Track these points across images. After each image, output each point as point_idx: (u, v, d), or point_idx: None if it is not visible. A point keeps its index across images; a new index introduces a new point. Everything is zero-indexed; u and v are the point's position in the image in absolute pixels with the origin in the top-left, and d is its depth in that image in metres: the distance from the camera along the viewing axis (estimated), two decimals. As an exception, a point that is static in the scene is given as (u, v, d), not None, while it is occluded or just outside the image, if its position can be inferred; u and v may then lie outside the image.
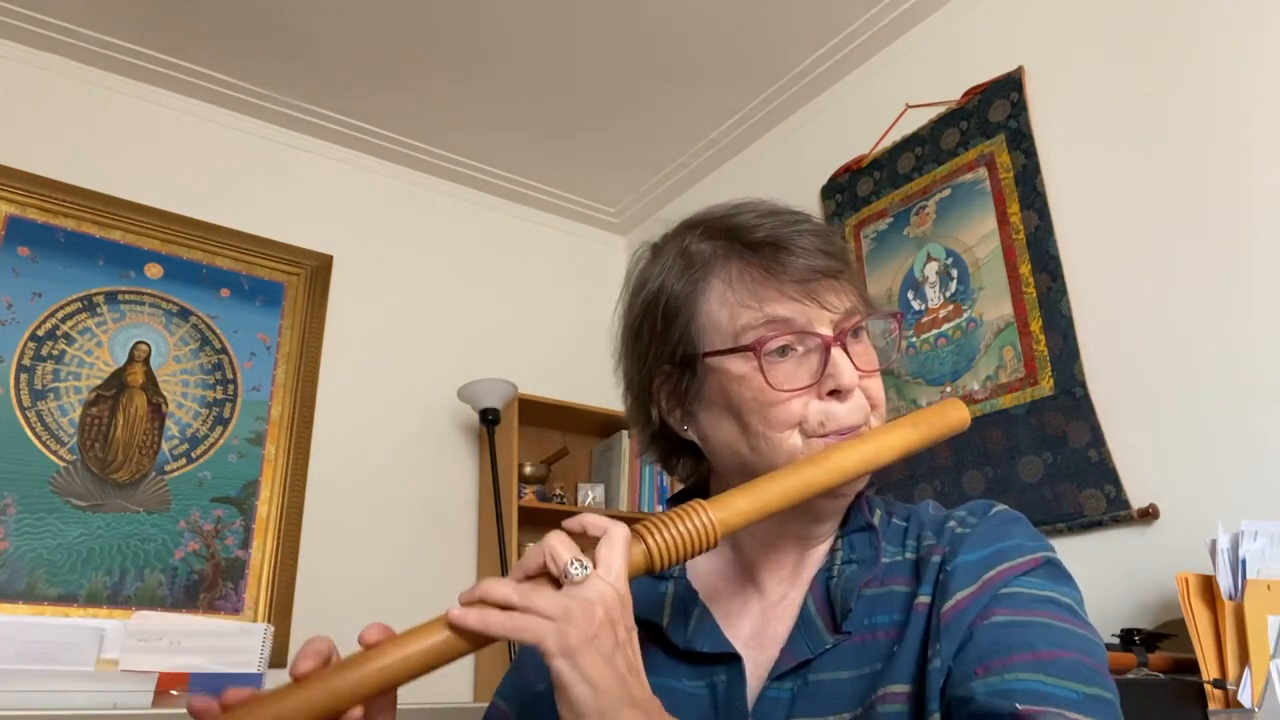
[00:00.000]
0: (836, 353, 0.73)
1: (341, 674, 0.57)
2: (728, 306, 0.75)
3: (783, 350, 0.73)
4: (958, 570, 0.69)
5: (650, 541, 0.63)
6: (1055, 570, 0.70)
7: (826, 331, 0.73)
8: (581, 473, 3.17)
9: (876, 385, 0.77)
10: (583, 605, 0.57)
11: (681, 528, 0.64)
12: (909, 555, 0.74)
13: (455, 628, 0.58)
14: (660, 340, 0.78)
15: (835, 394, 0.73)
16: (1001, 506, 0.76)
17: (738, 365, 0.74)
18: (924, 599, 0.69)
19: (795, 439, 0.73)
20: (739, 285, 0.75)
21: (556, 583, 0.60)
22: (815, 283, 0.74)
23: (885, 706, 0.66)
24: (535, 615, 0.57)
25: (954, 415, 0.78)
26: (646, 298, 0.80)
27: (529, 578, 0.61)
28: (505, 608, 0.58)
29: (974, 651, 0.64)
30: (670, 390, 0.79)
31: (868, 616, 0.71)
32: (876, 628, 0.70)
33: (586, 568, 0.59)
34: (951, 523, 0.75)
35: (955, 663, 0.64)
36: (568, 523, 0.64)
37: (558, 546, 0.60)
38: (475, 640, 0.59)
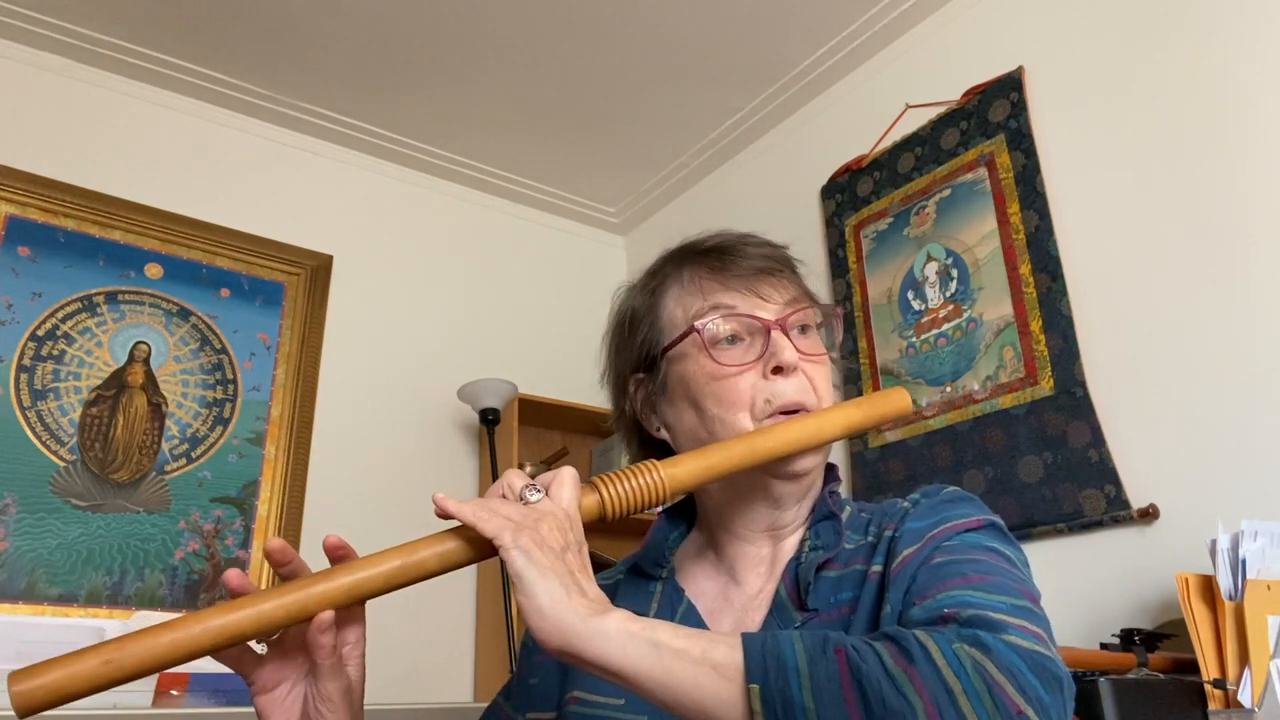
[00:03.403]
0: (777, 334, 0.80)
1: (315, 582, 0.63)
2: (681, 303, 0.85)
3: (731, 339, 0.81)
4: (904, 535, 0.74)
5: (604, 491, 0.70)
6: (998, 531, 0.75)
7: (768, 317, 0.81)
8: (581, 473, 3.17)
9: (822, 375, 0.83)
10: (535, 515, 0.64)
11: (634, 481, 0.70)
12: (870, 539, 0.80)
13: (439, 508, 0.65)
14: (628, 348, 0.88)
15: (779, 372, 0.80)
16: (954, 487, 0.81)
17: (689, 349, 0.82)
18: (876, 568, 0.75)
19: (746, 420, 0.80)
20: (690, 285, 0.85)
21: None
22: (755, 278, 0.83)
23: None
24: (498, 514, 0.64)
25: (896, 400, 0.84)
26: (618, 320, 0.91)
27: None
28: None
29: (915, 590, 0.69)
30: (644, 396, 0.87)
31: (833, 595, 0.76)
32: (841, 604, 0.75)
33: (540, 491, 0.67)
34: (905, 504, 0.81)
35: (903, 605, 0.69)
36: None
37: (513, 478, 0.69)
38: (444, 557, 0.65)
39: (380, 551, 0.64)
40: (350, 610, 0.68)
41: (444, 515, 0.65)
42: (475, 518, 0.63)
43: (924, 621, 0.63)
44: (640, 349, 0.86)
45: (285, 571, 0.67)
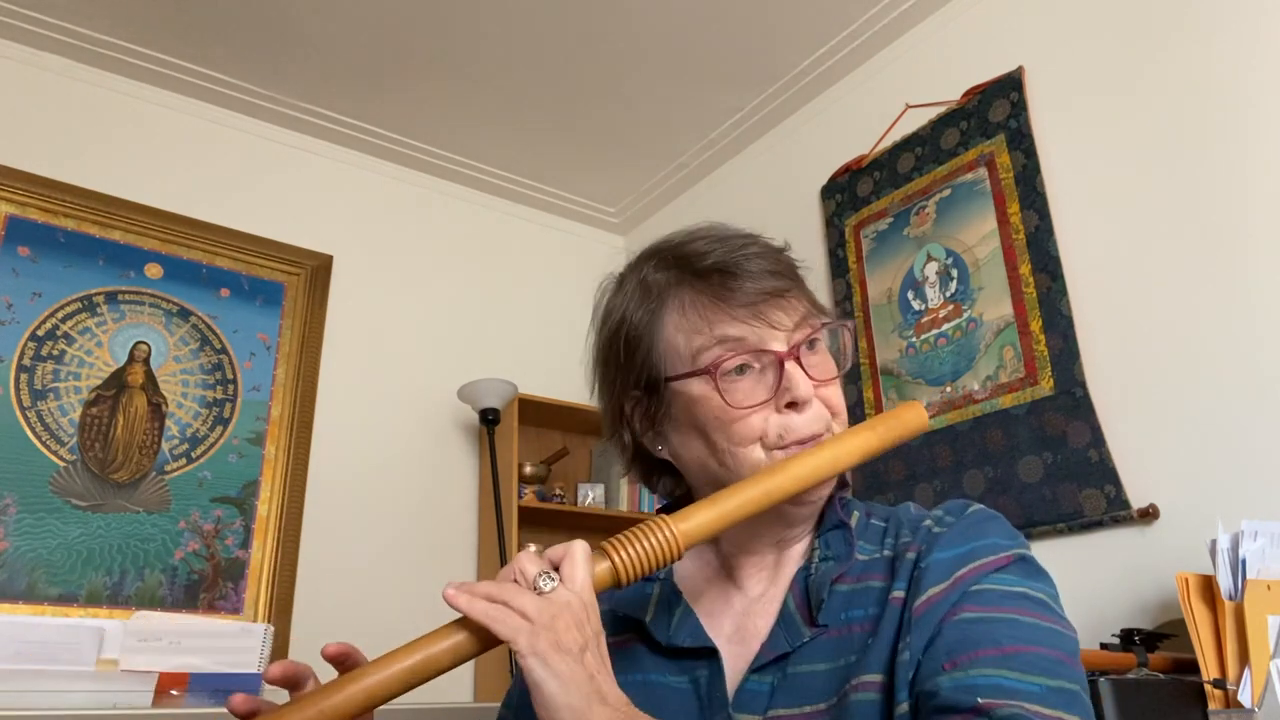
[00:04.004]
0: (790, 366, 0.76)
1: (328, 695, 0.60)
2: (683, 332, 0.79)
3: (741, 369, 0.76)
4: (931, 567, 0.71)
5: (615, 558, 0.67)
6: (1028, 566, 0.72)
7: (779, 347, 0.77)
8: (581, 473, 3.17)
9: (835, 393, 0.79)
10: (551, 610, 0.61)
11: (646, 543, 0.67)
12: (886, 553, 0.77)
13: (449, 603, 0.62)
14: (626, 368, 0.82)
15: (793, 406, 0.76)
16: (978, 505, 0.78)
17: (697, 387, 0.77)
18: (898, 593, 0.71)
19: (758, 453, 0.76)
20: (691, 312, 0.78)
21: None
22: (763, 304, 0.77)
23: (859, 695, 0.68)
24: (513, 612, 0.61)
25: (912, 418, 0.79)
26: (610, 329, 0.84)
27: None
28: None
29: (942, 647, 0.66)
30: (641, 414, 0.83)
31: (844, 611, 0.74)
32: (853, 622, 0.73)
33: (554, 579, 0.63)
34: (928, 521, 0.77)
35: (924, 657, 0.66)
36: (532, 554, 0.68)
37: (526, 563, 0.65)
38: (451, 657, 0.62)
39: (388, 654, 0.63)
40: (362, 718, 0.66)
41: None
42: (488, 618, 0.61)
43: (954, 706, 0.62)
44: (639, 372, 0.81)
45: (293, 686, 0.66)
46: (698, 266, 0.79)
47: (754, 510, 0.71)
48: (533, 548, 2.84)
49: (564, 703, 0.58)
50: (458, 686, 2.67)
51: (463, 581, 0.64)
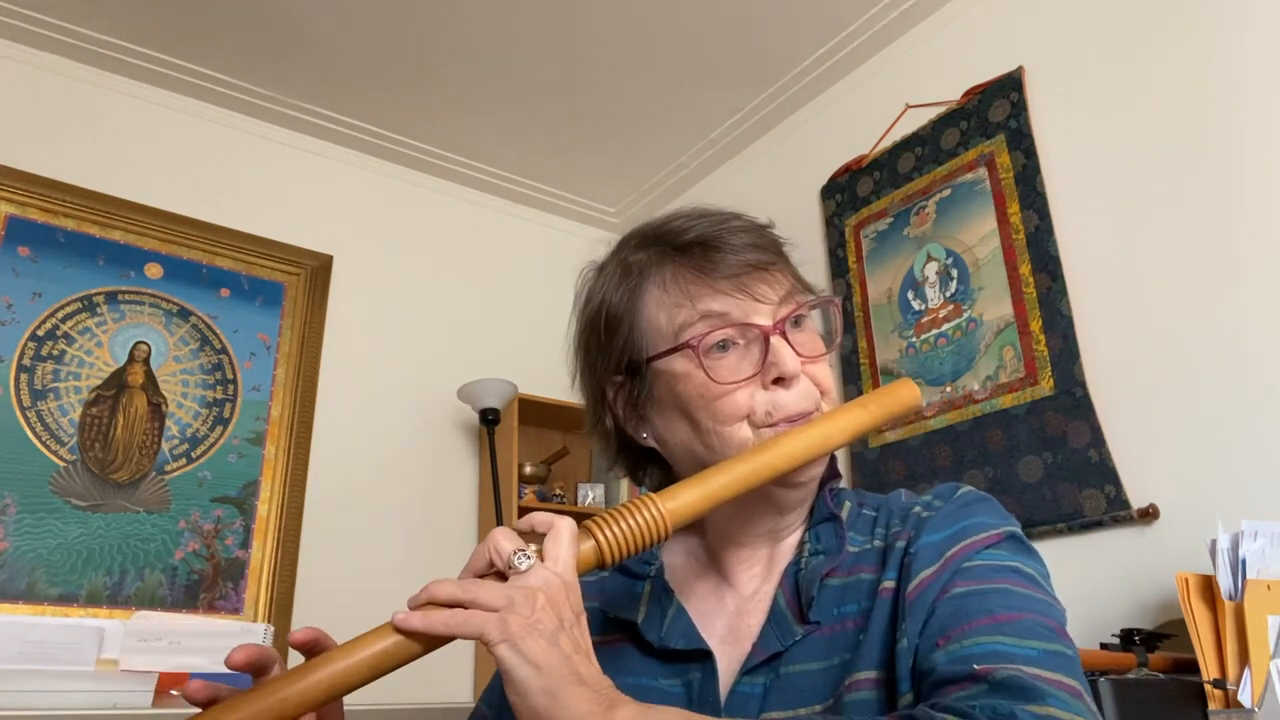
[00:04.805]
0: (776, 341, 0.73)
1: (290, 682, 0.57)
2: (664, 309, 0.76)
3: (724, 345, 0.73)
4: (921, 551, 0.70)
5: (600, 536, 0.64)
6: (1017, 544, 0.71)
7: (764, 322, 0.74)
8: (581, 473, 3.17)
9: (823, 371, 0.77)
10: (524, 593, 0.58)
11: (631, 521, 0.65)
12: (877, 543, 0.75)
13: (401, 630, 0.59)
14: (606, 351, 0.79)
15: (780, 382, 0.73)
16: (968, 488, 0.76)
17: (680, 364, 0.74)
18: (889, 583, 0.70)
19: (745, 431, 0.73)
20: (673, 287, 0.76)
21: (503, 577, 0.61)
22: (747, 276, 0.74)
23: (854, 694, 0.66)
24: (478, 609, 0.58)
25: (905, 394, 0.77)
26: (590, 313, 0.81)
27: (479, 577, 0.62)
28: (451, 606, 0.59)
29: (935, 625, 0.64)
30: (625, 400, 0.80)
31: (836, 606, 0.72)
32: (845, 617, 0.71)
33: (530, 558, 0.60)
34: (917, 508, 0.75)
35: (920, 640, 0.65)
36: (517, 523, 0.65)
37: (501, 541, 0.61)
38: (424, 642, 0.59)
39: (356, 639, 0.59)
40: (329, 707, 0.63)
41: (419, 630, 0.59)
42: (450, 627, 0.57)
43: (951, 677, 0.60)
44: (620, 354, 0.78)
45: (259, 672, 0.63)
46: (678, 241, 0.77)
47: (742, 488, 0.68)
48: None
49: (537, 687, 0.55)
50: (458, 685, 2.67)
51: (420, 590, 0.60)
